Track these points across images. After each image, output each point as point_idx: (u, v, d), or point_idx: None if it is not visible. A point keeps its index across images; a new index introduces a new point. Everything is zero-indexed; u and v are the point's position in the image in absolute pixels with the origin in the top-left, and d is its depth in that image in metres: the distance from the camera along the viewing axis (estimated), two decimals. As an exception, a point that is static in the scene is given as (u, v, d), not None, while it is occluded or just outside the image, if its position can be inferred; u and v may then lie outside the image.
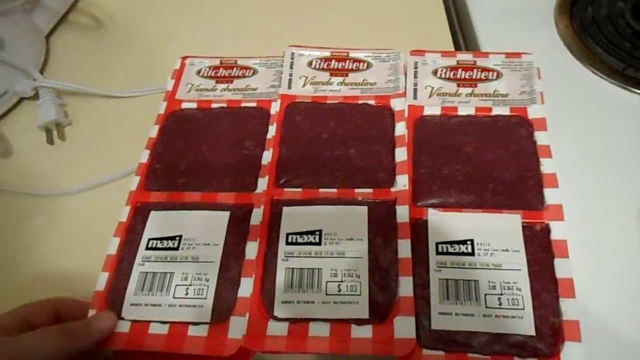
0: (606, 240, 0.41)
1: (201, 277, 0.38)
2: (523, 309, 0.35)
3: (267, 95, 0.49)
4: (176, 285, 0.38)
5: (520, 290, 0.35)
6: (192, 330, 0.36)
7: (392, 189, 0.41)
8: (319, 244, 0.39)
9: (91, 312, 0.37)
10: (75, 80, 0.55)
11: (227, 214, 0.41)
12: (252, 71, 0.52)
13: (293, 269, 0.38)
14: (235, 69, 0.52)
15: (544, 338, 0.34)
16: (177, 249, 0.40)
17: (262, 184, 0.43)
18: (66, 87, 0.55)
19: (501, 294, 0.35)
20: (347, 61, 0.51)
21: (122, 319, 0.37)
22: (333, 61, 0.51)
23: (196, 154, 0.45)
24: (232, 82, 0.51)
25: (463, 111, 0.45)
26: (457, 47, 0.59)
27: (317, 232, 0.39)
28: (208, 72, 0.52)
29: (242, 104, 0.49)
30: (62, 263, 0.45)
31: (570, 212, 0.38)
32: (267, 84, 0.51)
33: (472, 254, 0.37)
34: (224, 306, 0.37)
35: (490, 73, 0.48)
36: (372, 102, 0.47)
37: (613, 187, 0.43)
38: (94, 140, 0.53)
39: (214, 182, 0.43)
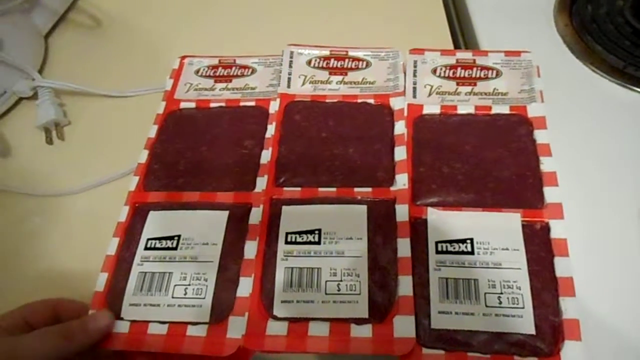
0: (606, 238, 0.41)
1: (200, 276, 0.38)
2: (523, 307, 0.35)
3: (266, 95, 0.49)
4: (175, 285, 0.38)
5: (520, 289, 0.35)
6: (191, 330, 0.36)
7: (392, 188, 0.41)
8: (319, 243, 0.39)
9: (91, 313, 0.37)
10: (74, 80, 0.55)
11: (225, 213, 0.41)
12: (250, 70, 0.52)
13: (292, 268, 0.38)
14: (234, 68, 0.52)
15: (544, 337, 0.34)
16: (175, 248, 0.40)
17: (261, 183, 0.42)
18: (65, 87, 0.55)
19: (501, 293, 0.35)
20: (346, 60, 0.51)
21: (122, 319, 0.37)
22: (332, 60, 0.51)
23: (195, 153, 0.45)
24: (230, 81, 0.51)
25: (462, 110, 0.45)
26: (457, 46, 0.59)
27: (317, 232, 0.39)
28: (207, 72, 0.52)
29: (241, 103, 0.49)
30: (61, 263, 0.45)
31: (570, 211, 0.38)
32: (265, 83, 0.51)
33: (472, 252, 0.37)
34: (223, 306, 0.37)
35: (490, 71, 0.47)
36: (371, 101, 0.47)
37: (613, 186, 0.43)
38: (92, 140, 0.53)
39: (212, 182, 0.43)
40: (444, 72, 0.48)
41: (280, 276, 0.37)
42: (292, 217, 0.40)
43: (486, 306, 0.35)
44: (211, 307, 0.37)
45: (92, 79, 0.56)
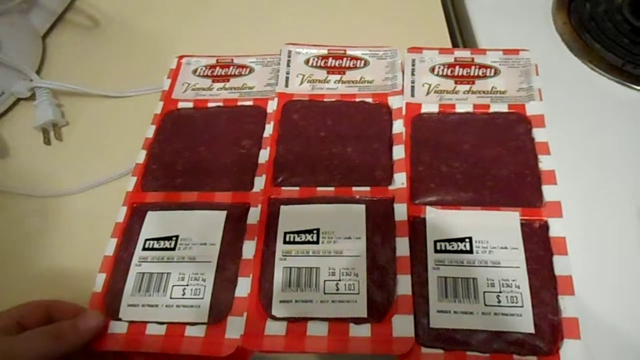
0: (605, 237, 0.41)
1: (198, 277, 0.38)
2: (522, 306, 0.35)
3: (264, 94, 0.49)
4: (173, 286, 0.38)
5: (519, 287, 0.35)
6: (189, 331, 0.36)
7: (390, 187, 0.41)
8: (317, 242, 0.38)
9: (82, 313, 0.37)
10: (72, 81, 0.55)
11: (224, 213, 0.41)
12: (248, 70, 0.52)
13: (291, 268, 0.38)
14: (231, 67, 0.52)
15: (543, 335, 0.34)
16: (173, 249, 0.40)
17: (259, 182, 0.42)
18: (63, 87, 0.54)
19: (500, 292, 0.35)
20: (345, 59, 0.51)
21: (120, 320, 0.37)
22: (330, 59, 0.51)
23: (193, 153, 0.45)
24: (228, 80, 0.51)
25: (461, 108, 0.45)
26: (455, 44, 0.59)
27: (315, 231, 0.39)
28: (204, 71, 0.52)
29: (239, 103, 0.49)
30: (59, 264, 0.44)
31: (568, 209, 0.38)
32: (263, 82, 0.50)
33: (471, 251, 0.37)
34: (221, 306, 0.37)
35: (488, 70, 0.47)
36: (369, 100, 0.47)
37: (612, 184, 0.43)
38: (90, 141, 0.53)
39: (210, 182, 0.43)
40: (442, 70, 0.48)
41: (278, 276, 0.37)
42: (291, 217, 0.40)
43: (485, 305, 0.35)
44: (209, 307, 0.37)
45: (89, 80, 0.56)
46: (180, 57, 0.54)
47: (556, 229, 0.37)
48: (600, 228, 0.41)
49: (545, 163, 0.41)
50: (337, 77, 0.49)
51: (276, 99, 0.48)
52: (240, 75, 0.51)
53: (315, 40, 0.52)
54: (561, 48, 0.53)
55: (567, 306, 0.34)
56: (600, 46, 0.52)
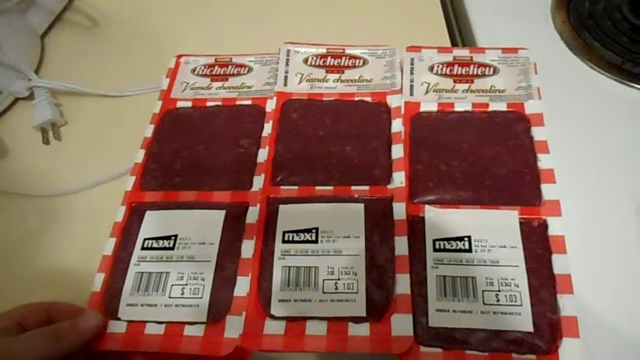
0: (604, 235, 0.41)
1: (197, 276, 0.38)
2: (521, 305, 0.35)
3: (263, 93, 0.49)
4: (172, 285, 0.38)
5: (518, 286, 0.35)
6: (188, 330, 0.36)
7: (389, 186, 0.41)
8: (316, 242, 0.38)
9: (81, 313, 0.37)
10: (70, 80, 0.55)
11: (222, 212, 0.41)
12: (247, 69, 0.52)
13: (290, 267, 0.38)
14: (230, 66, 0.52)
15: (542, 334, 0.34)
16: (172, 248, 0.40)
17: (258, 182, 0.42)
18: (61, 87, 0.54)
19: (499, 291, 0.35)
20: (343, 58, 0.50)
21: (119, 319, 0.37)
22: (329, 58, 0.51)
23: (191, 152, 0.45)
24: (227, 80, 0.51)
25: (460, 107, 0.45)
26: (454, 43, 0.59)
27: (314, 230, 0.39)
28: (203, 71, 0.52)
29: (238, 102, 0.49)
30: (58, 263, 0.44)
31: (567, 208, 0.38)
32: (262, 81, 0.50)
33: (470, 250, 0.37)
34: (220, 305, 0.37)
35: (487, 69, 0.47)
36: (368, 99, 0.47)
37: (611, 182, 0.43)
38: (89, 140, 0.53)
39: (209, 181, 0.43)
40: (441, 69, 0.48)
41: (277, 275, 0.37)
42: (289, 216, 0.40)
43: (484, 304, 0.35)
44: (208, 306, 0.37)
45: (88, 79, 0.56)
46: (179, 57, 0.54)
47: (555, 227, 0.37)
48: (600, 227, 0.41)
49: (544, 162, 0.40)
50: (336, 76, 0.49)
51: (275, 98, 0.48)
52: (239, 74, 0.51)
53: (314, 39, 0.52)
54: (560, 46, 0.53)
55: (566, 305, 0.34)
56: (599, 44, 0.52)
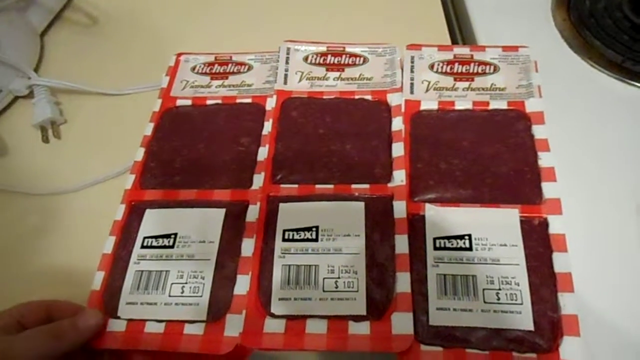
0: (605, 234, 0.41)
1: (197, 275, 0.38)
2: (521, 303, 0.34)
3: (263, 91, 0.49)
4: (172, 284, 0.38)
5: (518, 285, 0.35)
6: (188, 329, 0.36)
7: (389, 185, 0.41)
8: (316, 240, 0.38)
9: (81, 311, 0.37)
10: (70, 79, 0.55)
11: (222, 211, 0.41)
12: (247, 67, 0.51)
13: (290, 265, 0.37)
14: (230, 65, 0.52)
15: (543, 333, 0.33)
16: (172, 247, 0.39)
17: (258, 180, 0.42)
18: (61, 85, 0.54)
19: (499, 289, 0.35)
20: (344, 56, 0.50)
21: (118, 318, 0.37)
22: (329, 56, 0.51)
23: (191, 151, 0.45)
24: (227, 78, 0.51)
25: (460, 105, 0.45)
26: (454, 41, 0.59)
27: (314, 229, 0.39)
28: (203, 69, 0.52)
29: (238, 100, 0.49)
30: (57, 262, 0.44)
31: (568, 206, 0.38)
32: (262, 79, 0.50)
33: (470, 248, 0.37)
34: (220, 304, 0.37)
35: (488, 67, 0.47)
36: (368, 97, 0.47)
37: (612, 181, 0.43)
38: (89, 139, 0.53)
39: (209, 179, 0.43)
40: (442, 67, 0.48)
41: (277, 274, 0.37)
42: (290, 214, 0.40)
43: (484, 302, 0.35)
44: (208, 305, 0.37)
45: (88, 77, 0.56)
46: (179, 55, 0.54)
47: (556, 226, 0.37)
48: (600, 225, 0.41)
49: (544, 160, 0.40)
50: (336, 74, 0.49)
51: (275, 97, 0.47)
52: (238, 72, 0.51)
53: (314, 37, 0.52)
54: (561, 45, 0.53)
55: (567, 303, 0.34)
56: (600, 43, 0.51)
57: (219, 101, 0.49)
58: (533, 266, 0.36)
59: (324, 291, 0.36)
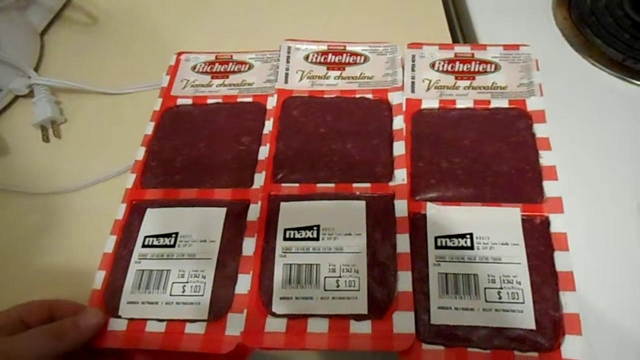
0: (606, 232, 0.40)
1: (198, 274, 0.38)
2: (523, 302, 0.34)
3: (263, 90, 0.49)
4: (173, 283, 0.38)
5: (520, 283, 0.35)
6: (189, 328, 0.36)
7: (391, 183, 0.41)
8: (317, 239, 0.38)
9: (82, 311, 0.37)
10: (70, 78, 0.54)
11: (223, 210, 0.41)
12: (247, 66, 0.51)
13: (291, 264, 0.37)
14: (230, 64, 0.52)
15: (544, 332, 0.33)
16: (173, 246, 0.39)
17: (259, 179, 0.42)
18: (61, 84, 0.54)
19: (501, 288, 0.35)
20: (344, 55, 0.50)
21: (119, 317, 0.37)
22: (330, 55, 0.50)
23: (192, 150, 0.45)
24: (227, 77, 0.51)
25: (461, 104, 0.45)
26: (455, 40, 0.59)
27: (315, 228, 0.39)
28: (203, 68, 0.52)
29: (238, 99, 0.49)
30: (58, 261, 0.44)
31: (570, 205, 0.38)
32: (263, 78, 0.50)
33: (472, 247, 0.37)
34: (221, 303, 0.37)
35: (489, 65, 0.47)
36: (369, 96, 0.47)
37: (613, 179, 0.43)
38: (89, 138, 0.52)
39: (210, 179, 0.43)
40: (443, 66, 0.48)
41: (278, 273, 0.37)
42: (291, 214, 0.40)
43: (486, 301, 0.35)
44: (209, 304, 0.37)
45: (88, 77, 0.56)
46: (179, 54, 0.54)
47: (557, 224, 0.37)
48: (602, 224, 0.41)
49: (546, 158, 0.40)
50: (337, 73, 0.49)
51: (276, 95, 0.47)
52: (239, 71, 0.51)
53: (315, 36, 0.52)
54: (562, 43, 0.53)
55: (568, 302, 0.34)
56: (600, 41, 0.51)
57: (220, 100, 0.49)
58: (534, 265, 0.36)
59: (325, 290, 0.36)
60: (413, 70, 0.48)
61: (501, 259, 0.36)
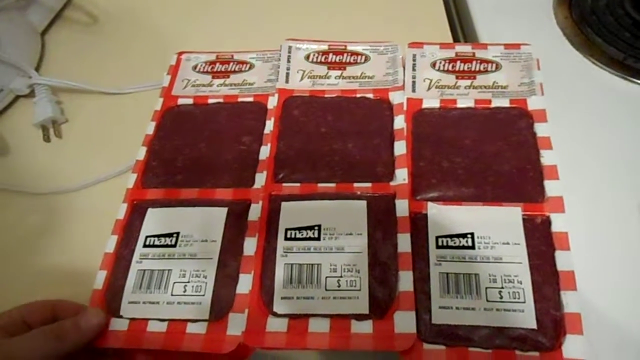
0: (607, 232, 0.40)
1: (199, 274, 0.38)
2: (524, 302, 0.34)
3: (264, 90, 0.49)
4: (174, 283, 0.38)
5: (521, 283, 0.35)
6: (190, 328, 0.36)
7: (392, 183, 0.41)
8: (318, 239, 0.38)
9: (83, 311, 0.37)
10: (71, 78, 0.54)
11: (224, 210, 0.41)
12: (248, 66, 0.51)
13: (292, 264, 0.37)
14: (231, 63, 0.52)
15: (546, 331, 0.33)
16: (174, 246, 0.39)
17: (260, 179, 0.42)
18: (62, 84, 0.54)
19: (502, 287, 0.35)
20: (345, 54, 0.50)
21: (121, 317, 0.37)
22: (331, 54, 0.50)
23: (193, 150, 0.45)
24: (228, 77, 0.51)
25: (462, 103, 0.45)
26: (456, 39, 0.59)
27: (316, 227, 0.39)
28: (204, 67, 0.52)
29: (239, 99, 0.49)
30: (59, 261, 0.44)
31: (571, 204, 0.38)
32: (264, 78, 0.50)
33: (473, 247, 0.37)
34: (222, 303, 0.37)
35: (489, 64, 0.47)
36: (370, 95, 0.47)
37: (614, 178, 0.43)
38: (90, 138, 0.52)
39: (211, 178, 0.43)
40: (443, 65, 0.48)
41: (280, 272, 0.37)
42: (292, 213, 0.40)
43: (487, 301, 0.35)
44: (211, 304, 0.37)
45: (89, 76, 0.56)
46: (180, 53, 0.54)
47: (558, 224, 0.37)
48: (603, 223, 0.41)
49: (547, 158, 0.40)
50: (338, 72, 0.49)
51: (277, 95, 0.47)
52: (240, 71, 0.51)
53: (316, 36, 0.52)
54: (562, 42, 0.53)
55: (570, 301, 0.34)
56: (601, 40, 0.51)
57: (221, 100, 0.49)
58: (536, 264, 0.36)
59: (326, 290, 0.36)
60: (414, 69, 0.48)
61: (502, 258, 0.36)
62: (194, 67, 0.52)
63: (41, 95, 0.53)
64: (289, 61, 0.50)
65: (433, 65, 0.48)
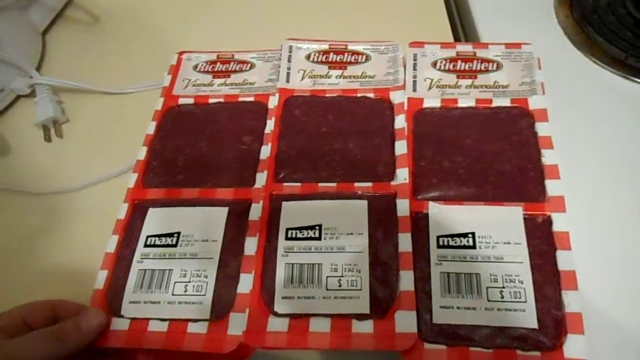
0: (609, 231, 0.40)
1: (200, 273, 0.38)
2: (525, 301, 0.34)
3: (265, 89, 0.49)
4: (175, 282, 0.38)
5: (522, 283, 0.35)
6: (191, 327, 0.36)
7: (392, 183, 0.41)
8: (319, 238, 0.38)
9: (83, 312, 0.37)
10: (72, 77, 0.54)
11: (225, 209, 0.41)
12: (249, 65, 0.51)
13: (293, 264, 0.37)
14: (232, 63, 0.52)
15: (547, 331, 0.33)
16: (175, 245, 0.39)
17: (261, 178, 0.42)
18: (63, 84, 0.54)
19: (503, 287, 0.35)
20: (346, 54, 0.50)
21: (122, 316, 0.37)
22: (331, 54, 0.50)
23: (194, 149, 0.45)
24: (229, 76, 0.51)
25: (463, 103, 0.45)
26: (457, 39, 0.58)
27: (317, 227, 0.39)
28: (205, 67, 0.52)
29: (240, 99, 0.49)
30: (60, 261, 0.44)
31: (572, 204, 0.38)
32: (264, 78, 0.50)
33: (474, 247, 0.37)
34: (223, 302, 0.37)
35: (490, 64, 0.47)
36: (371, 95, 0.47)
37: (615, 178, 0.43)
38: (91, 138, 0.52)
39: (212, 178, 0.43)
40: (444, 65, 0.48)
41: (280, 272, 0.37)
42: (292, 213, 0.40)
43: (488, 300, 0.35)
44: (211, 303, 0.37)
45: (90, 76, 0.56)
46: (181, 53, 0.54)
47: (559, 223, 0.37)
48: (604, 222, 0.41)
49: (548, 157, 0.40)
50: (339, 72, 0.49)
51: (277, 95, 0.47)
52: (241, 70, 0.51)
53: (317, 35, 0.52)
54: (564, 41, 0.53)
55: (571, 301, 0.34)
56: (602, 39, 0.51)
57: (222, 100, 0.49)
58: (537, 264, 0.36)
59: (327, 290, 0.36)
60: (415, 69, 0.48)
61: (503, 258, 0.36)
62: (195, 67, 0.52)
63: (42, 95, 0.53)
64: (289, 61, 0.50)
65: (434, 64, 0.48)
